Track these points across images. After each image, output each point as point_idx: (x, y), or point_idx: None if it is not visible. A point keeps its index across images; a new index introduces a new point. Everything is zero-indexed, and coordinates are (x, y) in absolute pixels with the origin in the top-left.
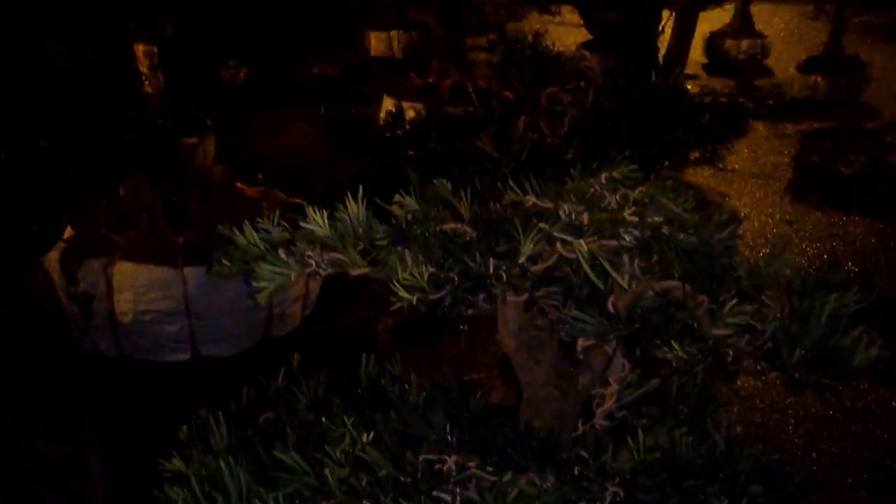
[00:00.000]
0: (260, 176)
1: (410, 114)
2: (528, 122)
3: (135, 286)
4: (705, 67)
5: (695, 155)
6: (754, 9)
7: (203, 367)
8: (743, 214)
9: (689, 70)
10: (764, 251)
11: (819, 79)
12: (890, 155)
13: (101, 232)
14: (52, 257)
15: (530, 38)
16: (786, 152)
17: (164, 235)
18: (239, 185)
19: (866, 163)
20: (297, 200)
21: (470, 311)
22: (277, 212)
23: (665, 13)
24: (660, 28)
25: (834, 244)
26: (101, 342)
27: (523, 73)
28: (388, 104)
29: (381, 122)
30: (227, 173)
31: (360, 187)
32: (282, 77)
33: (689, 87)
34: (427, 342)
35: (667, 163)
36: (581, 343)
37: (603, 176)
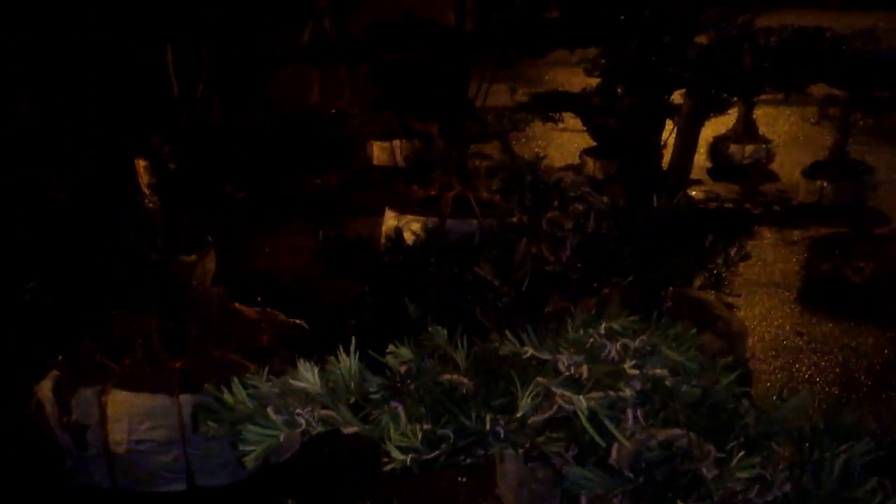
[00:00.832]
0: (259, 298)
1: (415, 227)
2: (529, 246)
3: (129, 415)
4: (710, 172)
5: (700, 279)
6: (757, 112)
7: (199, 498)
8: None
9: (693, 175)
10: (775, 364)
11: (825, 184)
12: None
13: (95, 359)
14: (45, 386)
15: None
16: (794, 259)
17: (159, 362)
18: (237, 305)
19: (876, 270)
20: (296, 321)
21: (468, 461)
22: (266, 369)
23: (668, 122)
24: (662, 142)
25: (846, 356)
26: (95, 473)
27: (524, 198)
28: (389, 217)
29: (383, 239)
30: (225, 294)
31: (353, 338)
32: (282, 188)
33: (693, 192)
34: (429, 466)
35: (671, 288)
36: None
37: (603, 326)
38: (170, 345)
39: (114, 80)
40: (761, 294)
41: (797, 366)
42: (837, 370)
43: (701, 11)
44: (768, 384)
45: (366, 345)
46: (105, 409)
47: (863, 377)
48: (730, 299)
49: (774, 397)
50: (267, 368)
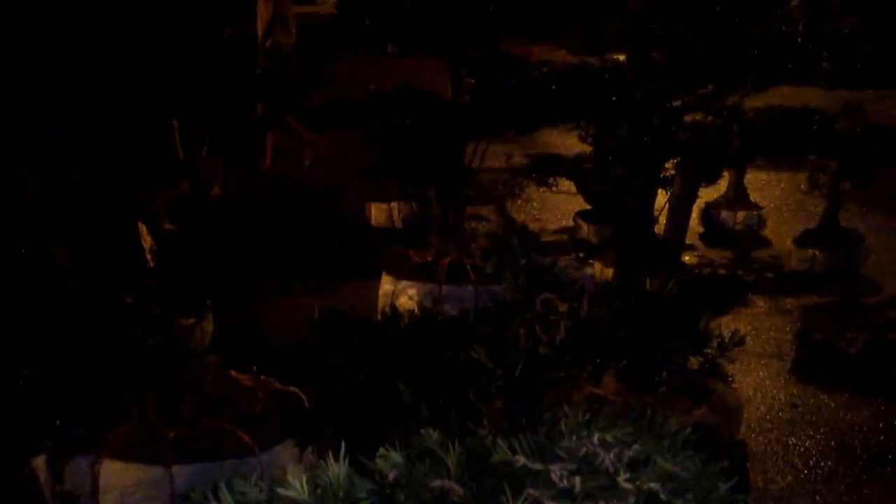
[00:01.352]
0: (254, 367)
1: (411, 292)
2: (523, 327)
3: (121, 486)
4: (702, 237)
5: (694, 363)
6: (749, 177)
7: None
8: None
9: (686, 240)
10: (770, 436)
11: (817, 252)
12: (893, 332)
13: (89, 427)
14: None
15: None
16: (787, 329)
17: (153, 431)
18: (233, 373)
19: (869, 340)
20: (292, 389)
21: None
22: (255, 476)
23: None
24: (655, 210)
25: (842, 429)
26: None
27: (517, 279)
28: (386, 282)
29: (379, 304)
30: (221, 362)
31: (343, 443)
32: (283, 249)
33: (686, 258)
34: None
35: (665, 373)
36: None
37: (596, 436)
38: (164, 413)
39: (119, 143)
40: (756, 364)
41: (792, 439)
42: (833, 443)
43: (690, 93)
44: (764, 458)
45: (357, 431)
46: (98, 478)
47: (859, 450)
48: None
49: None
50: (256, 475)
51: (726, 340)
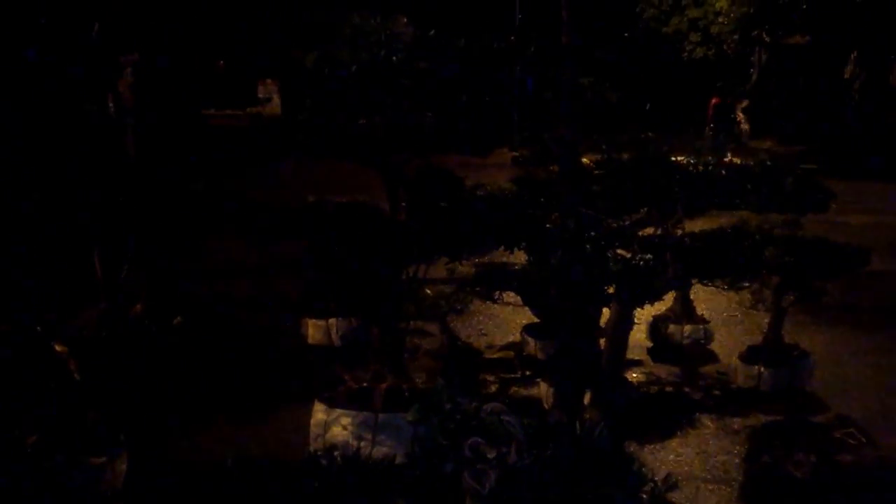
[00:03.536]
0: None
1: (345, 421)
2: (452, 472)
3: None
4: (650, 352)
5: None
6: (695, 289)
7: None
8: None
9: (633, 355)
10: None
11: (762, 369)
12: (840, 453)
13: None
14: None
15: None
16: (735, 451)
17: None
18: None
19: (817, 463)
20: None
21: None
22: None
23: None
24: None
25: None
26: None
27: (444, 423)
28: (318, 411)
29: (311, 436)
30: None
31: None
32: (209, 371)
33: (634, 375)
34: None
35: None
36: None
37: None
38: None
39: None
40: (704, 490)
41: None
42: None
43: (623, 219)
44: None
45: None
46: None
47: None
48: (672, 496)
49: None
50: None
51: (659, 485)
